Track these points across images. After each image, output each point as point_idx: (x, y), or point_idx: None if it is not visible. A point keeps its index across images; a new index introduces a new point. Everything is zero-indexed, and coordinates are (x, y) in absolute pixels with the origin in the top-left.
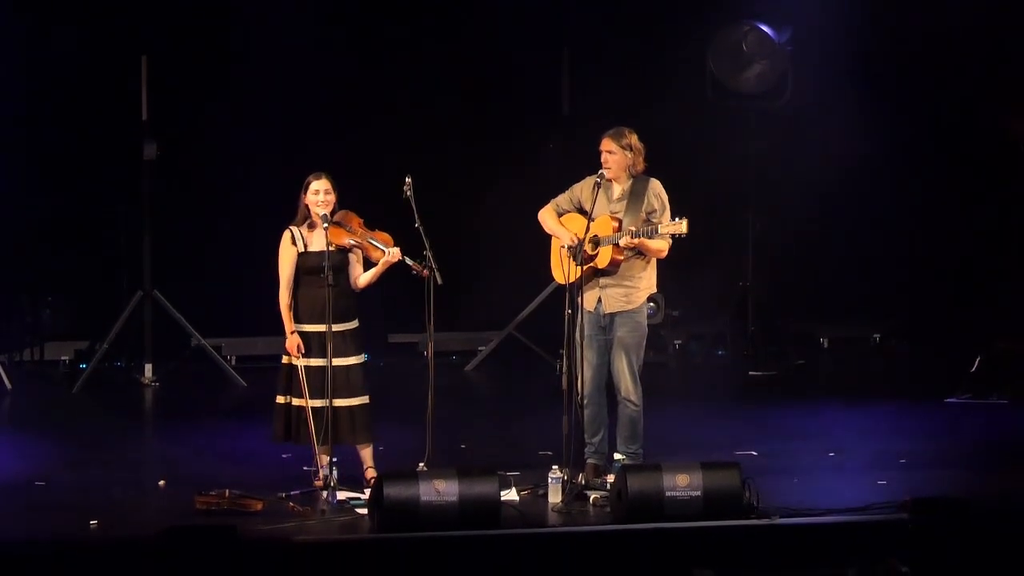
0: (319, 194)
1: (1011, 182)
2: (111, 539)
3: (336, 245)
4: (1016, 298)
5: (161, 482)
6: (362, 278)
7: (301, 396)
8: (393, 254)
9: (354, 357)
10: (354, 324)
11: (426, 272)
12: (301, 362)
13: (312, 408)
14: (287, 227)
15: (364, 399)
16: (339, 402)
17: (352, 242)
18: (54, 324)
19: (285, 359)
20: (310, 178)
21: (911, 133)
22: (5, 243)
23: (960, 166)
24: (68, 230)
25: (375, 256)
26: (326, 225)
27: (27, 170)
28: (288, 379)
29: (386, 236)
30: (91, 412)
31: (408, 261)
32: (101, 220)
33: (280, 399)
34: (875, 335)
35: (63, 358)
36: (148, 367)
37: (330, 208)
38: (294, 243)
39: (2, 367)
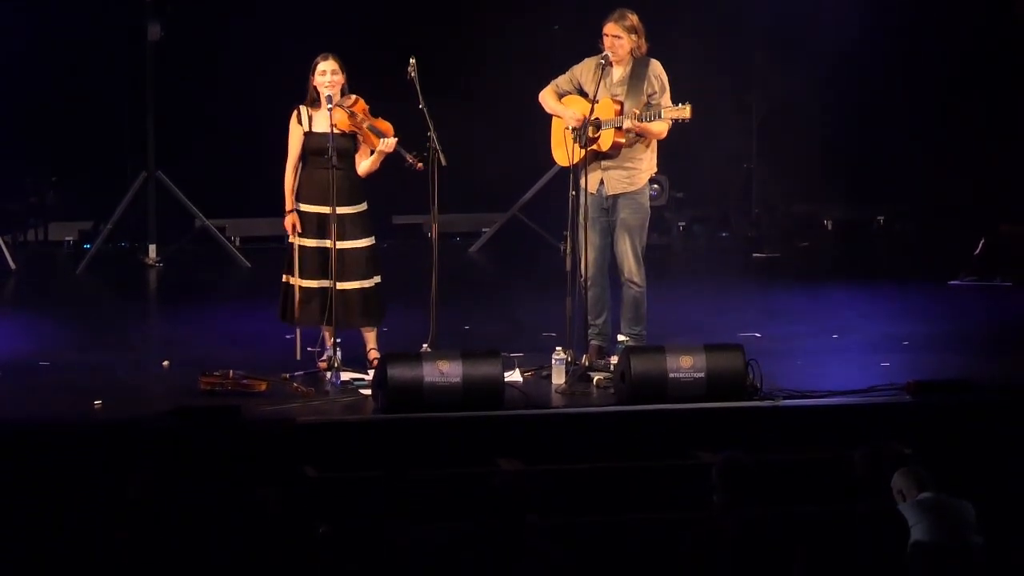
0: (326, 75)
1: (1019, 64)
2: (115, 419)
3: (338, 128)
4: (1021, 181)
5: (165, 363)
6: (361, 166)
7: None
8: (388, 144)
9: (363, 240)
10: (362, 207)
11: (420, 165)
12: (298, 242)
13: (306, 288)
14: (295, 106)
15: (372, 281)
16: (349, 284)
17: (352, 127)
18: (58, 204)
19: (291, 238)
20: (318, 59)
21: (919, 12)
22: (8, 123)
23: (967, 47)
24: (72, 110)
25: (373, 143)
26: (330, 107)
27: (30, 50)
28: (292, 258)
29: (387, 125)
30: (95, 293)
31: (403, 152)
32: (105, 100)
33: (284, 278)
34: (879, 217)
35: (67, 238)
36: (152, 248)
37: (337, 89)
38: (300, 122)
39: (6, 247)
